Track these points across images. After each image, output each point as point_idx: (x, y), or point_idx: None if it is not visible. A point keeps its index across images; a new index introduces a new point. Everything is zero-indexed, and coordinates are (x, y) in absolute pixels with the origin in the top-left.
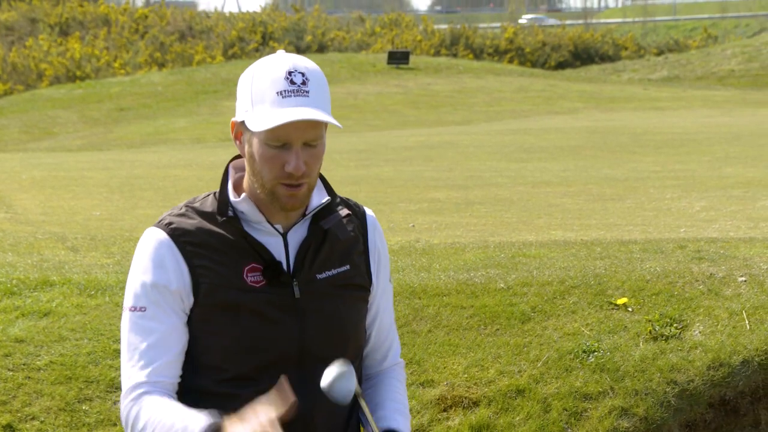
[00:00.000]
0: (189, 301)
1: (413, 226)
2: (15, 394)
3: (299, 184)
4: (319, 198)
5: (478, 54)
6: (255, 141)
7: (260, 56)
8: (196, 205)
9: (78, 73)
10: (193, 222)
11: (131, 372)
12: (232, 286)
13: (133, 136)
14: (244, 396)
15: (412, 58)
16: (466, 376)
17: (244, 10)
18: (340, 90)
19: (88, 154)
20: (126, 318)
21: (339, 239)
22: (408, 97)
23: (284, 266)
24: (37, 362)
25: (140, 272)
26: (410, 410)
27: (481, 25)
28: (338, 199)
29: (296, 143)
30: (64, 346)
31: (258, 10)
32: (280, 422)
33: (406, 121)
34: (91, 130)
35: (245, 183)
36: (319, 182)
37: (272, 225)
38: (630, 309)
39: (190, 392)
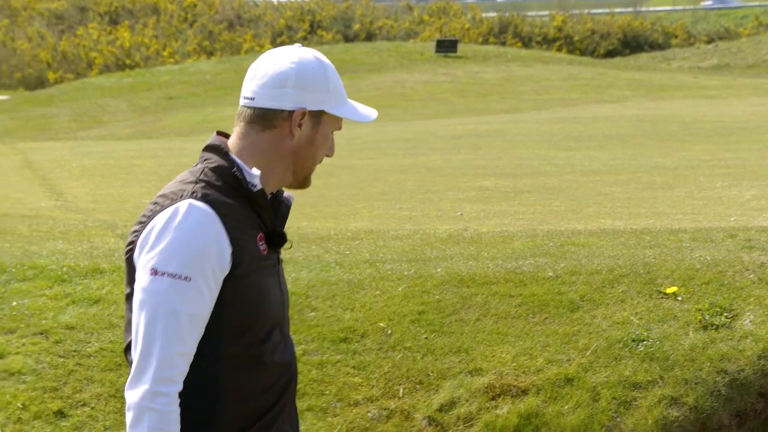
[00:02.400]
0: (226, 273)
1: (461, 214)
2: (66, 381)
3: None
4: None
5: (526, 42)
6: (323, 128)
7: (308, 45)
8: (206, 179)
9: (127, 61)
10: (221, 195)
11: (172, 340)
12: (254, 255)
13: (181, 125)
14: (255, 354)
15: (460, 47)
16: (514, 364)
17: None
18: (388, 78)
19: (137, 143)
20: (164, 283)
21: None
22: (456, 86)
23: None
24: (88, 349)
25: (187, 242)
26: (459, 398)
27: (530, 13)
28: None
29: None
30: (114, 333)
31: None
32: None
33: (454, 110)
34: (140, 118)
35: (250, 161)
36: None
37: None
38: (680, 298)
39: (215, 358)
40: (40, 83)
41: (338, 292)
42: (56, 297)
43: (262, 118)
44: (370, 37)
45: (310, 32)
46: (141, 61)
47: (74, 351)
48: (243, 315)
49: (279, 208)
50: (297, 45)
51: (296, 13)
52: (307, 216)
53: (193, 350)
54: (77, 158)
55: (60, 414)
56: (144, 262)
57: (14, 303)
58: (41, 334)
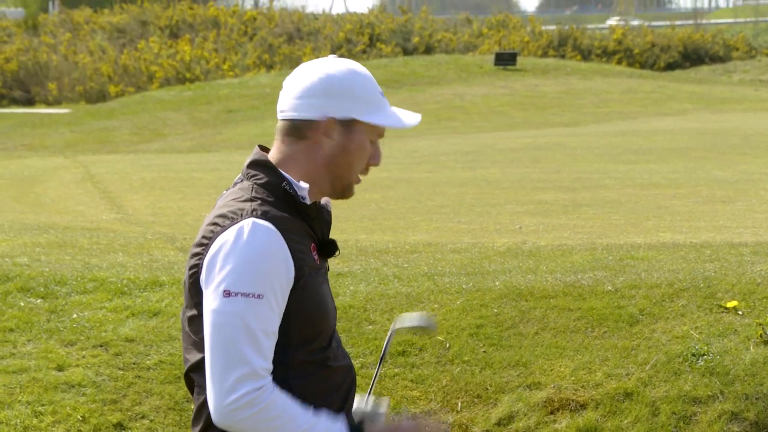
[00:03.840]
0: (291, 286)
1: (520, 227)
2: (125, 393)
3: None
4: None
5: (586, 55)
6: (357, 135)
7: (367, 58)
8: (259, 196)
9: (187, 75)
10: (278, 211)
11: (251, 355)
12: (312, 266)
13: (241, 138)
14: (319, 361)
15: (519, 60)
16: (573, 378)
17: (351, 11)
18: (446, 91)
19: (197, 156)
20: (238, 303)
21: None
22: (515, 99)
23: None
24: (147, 361)
25: (254, 260)
26: (517, 412)
27: (589, 26)
28: None
29: (378, 140)
30: (174, 345)
31: (365, 11)
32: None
33: (513, 123)
34: (200, 131)
35: (292, 173)
36: None
37: None
38: (740, 312)
39: (285, 367)
40: (102, 96)
41: (396, 306)
42: (116, 309)
43: (295, 130)
44: (429, 50)
45: (369, 45)
46: (201, 74)
47: (134, 363)
48: (308, 324)
49: (322, 216)
50: (332, 56)
51: (355, 26)
52: (365, 229)
53: (271, 365)
54: (137, 171)
55: (119, 426)
56: (215, 284)
57: (74, 315)
58: (101, 346)
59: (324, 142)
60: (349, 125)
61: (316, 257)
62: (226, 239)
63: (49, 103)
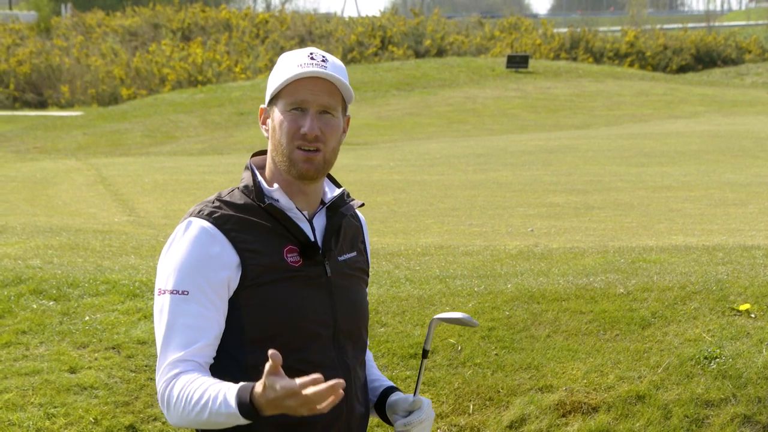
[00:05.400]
0: (234, 284)
1: (532, 230)
2: (137, 395)
3: (315, 149)
4: (333, 190)
5: (598, 58)
6: (276, 113)
7: (379, 60)
8: (227, 198)
9: (199, 77)
10: (232, 212)
11: (169, 350)
12: (275, 267)
13: (253, 140)
14: (293, 365)
15: (531, 62)
16: (585, 381)
17: (363, 14)
18: (458, 94)
19: (209, 158)
20: (166, 300)
21: (351, 227)
22: (527, 101)
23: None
24: None
25: (184, 258)
26: (529, 415)
27: (602, 28)
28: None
29: (312, 107)
30: None
31: (377, 14)
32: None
33: (524, 126)
34: (212, 134)
35: (269, 175)
36: (326, 179)
37: (300, 212)
38: (753, 315)
39: (239, 367)
40: (114, 99)
41: (408, 308)
42: (128, 312)
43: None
44: (440, 52)
45: (381, 48)
46: (213, 77)
47: (146, 366)
48: (261, 323)
49: (331, 219)
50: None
51: (367, 29)
52: (377, 232)
53: (198, 357)
54: (149, 173)
55: (132, 429)
56: (156, 282)
57: (87, 318)
58: (113, 348)
59: (262, 130)
60: (271, 108)
61: (292, 259)
62: (170, 236)
63: (61, 106)
